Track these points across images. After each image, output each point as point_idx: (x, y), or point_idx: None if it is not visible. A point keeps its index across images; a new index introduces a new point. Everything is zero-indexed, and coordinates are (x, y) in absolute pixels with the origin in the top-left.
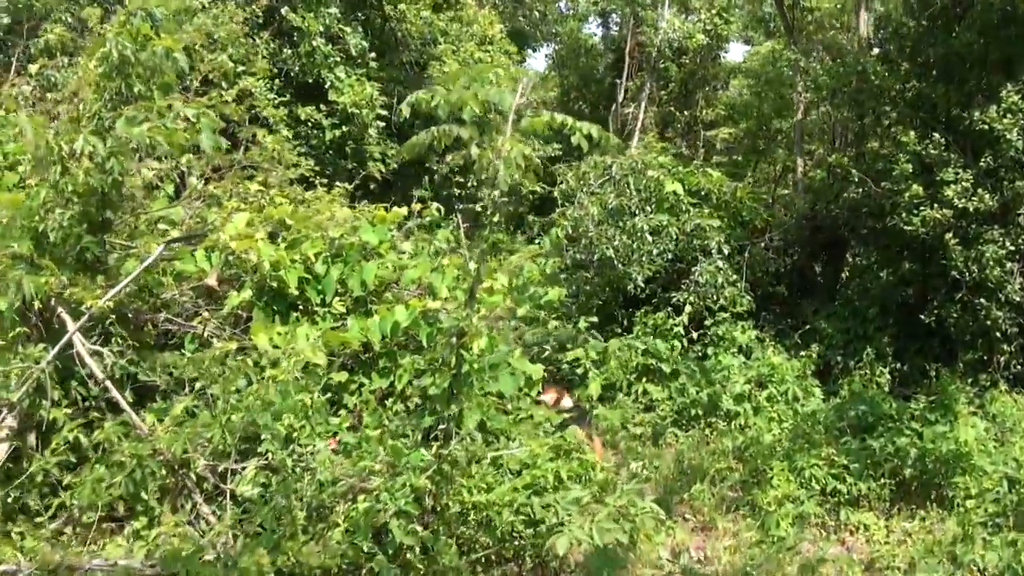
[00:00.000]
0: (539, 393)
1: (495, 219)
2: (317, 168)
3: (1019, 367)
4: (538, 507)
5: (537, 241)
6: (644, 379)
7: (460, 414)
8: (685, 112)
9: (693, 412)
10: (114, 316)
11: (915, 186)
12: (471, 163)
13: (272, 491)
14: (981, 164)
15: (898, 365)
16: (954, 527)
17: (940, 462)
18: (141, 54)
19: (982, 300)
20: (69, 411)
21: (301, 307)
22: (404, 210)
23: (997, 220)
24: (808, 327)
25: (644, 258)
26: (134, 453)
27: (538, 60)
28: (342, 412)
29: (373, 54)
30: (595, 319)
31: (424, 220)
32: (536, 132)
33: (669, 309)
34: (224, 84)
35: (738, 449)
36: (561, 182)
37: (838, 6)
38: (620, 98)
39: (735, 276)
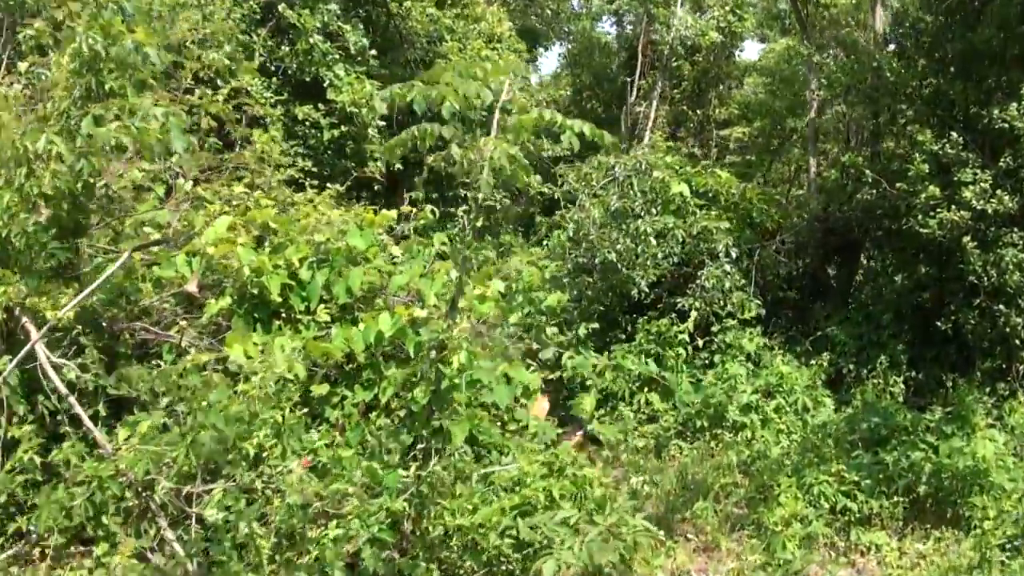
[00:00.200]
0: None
1: (478, 222)
2: (315, 169)
3: None
4: (525, 529)
5: (545, 243)
6: (647, 388)
7: (442, 431)
8: (698, 111)
9: (698, 423)
10: (86, 326)
11: (931, 187)
12: (452, 163)
13: (235, 517)
14: (1000, 164)
15: (913, 374)
16: (970, 550)
17: (956, 478)
18: (112, 49)
19: (1001, 306)
20: (33, 427)
21: (284, 315)
22: (394, 213)
23: (1017, 223)
24: (819, 333)
25: (649, 262)
26: (94, 474)
27: (550, 59)
28: (323, 426)
29: (374, 51)
30: (596, 326)
31: (419, 223)
32: (526, 130)
33: (673, 315)
34: (219, 82)
35: (744, 463)
36: (562, 183)
37: (853, 2)
38: (632, 97)
39: (743, 280)
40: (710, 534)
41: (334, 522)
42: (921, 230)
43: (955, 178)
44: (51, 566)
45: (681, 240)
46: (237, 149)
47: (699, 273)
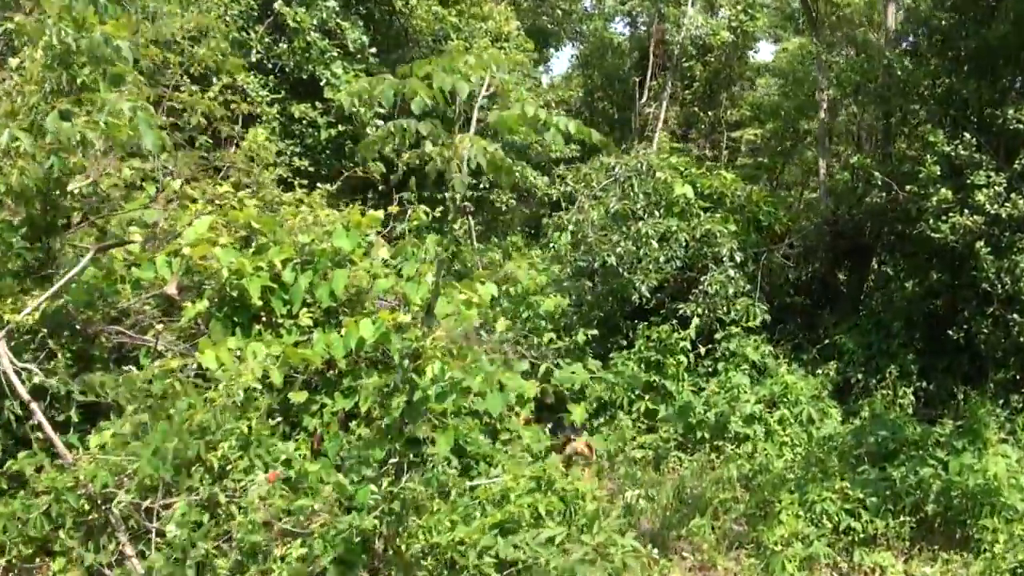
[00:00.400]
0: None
1: (456, 224)
2: (312, 169)
3: None
4: (508, 547)
5: (553, 246)
6: (646, 397)
7: (418, 443)
8: (709, 112)
9: (699, 434)
10: (60, 328)
11: (943, 190)
12: (426, 162)
13: (192, 536)
14: (1015, 166)
15: (923, 384)
16: (979, 574)
17: (966, 497)
18: (82, 41)
19: (1015, 315)
20: None
21: (265, 319)
22: (380, 213)
23: None
24: (827, 341)
25: (651, 266)
26: (51, 485)
27: (561, 61)
28: (301, 436)
29: (374, 49)
30: (595, 332)
31: (412, 224)
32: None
33: (674, 321)
34: (214, 79)
35: (745, 477)
36: (563, 184)
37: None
38: (644, 97)
39: (749, 286)
40: (706, 552)
41: (298, 540)
42: (932, 235)
43: (968, 181)
44: None
45: (684, 243)
46: (234, 149)
47: (702, 278)
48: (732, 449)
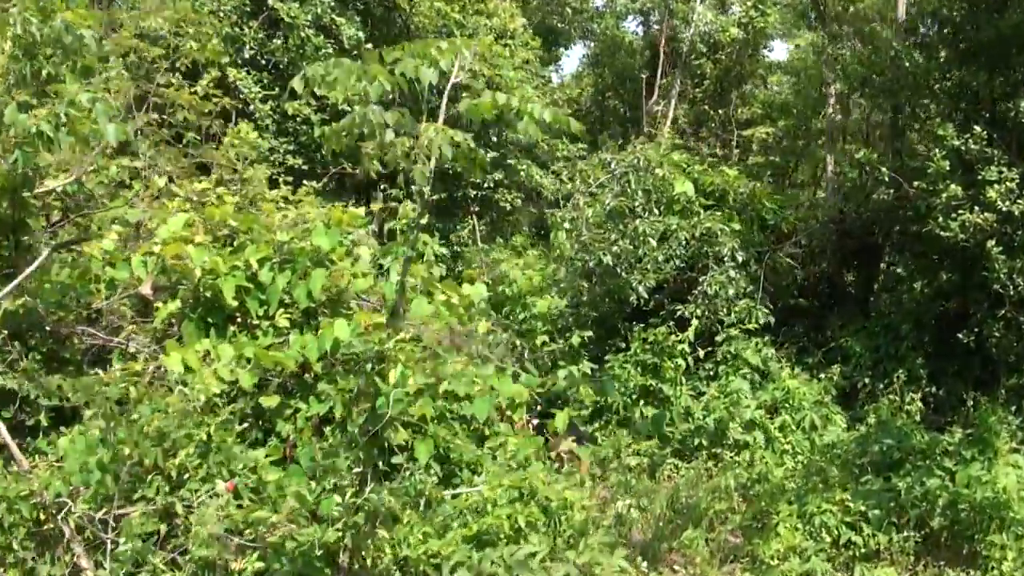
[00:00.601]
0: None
1: (423, 220)
2: (306, 167)
3: None
4: (484, 562)
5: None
6: (643, 402)
7: (384, 452)
8: (719, 111)
9: (697, 441)
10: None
11: (953, 186)
12: (385, 153)
13: (144, 549)
14: None
15: (933, 389)
16: None
17: (974, 510)
18: (44, 30)
19: None
20: None
21: (240, 320)
22: (361, 211)
23: None
24: (833, 344)
25: (649, 266)
26: (3, 494)
27: (572, 60)
28: (273, 442)
29: (369, 45)
30: (590, 333)
31: (400, 223)
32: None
33: (671, 323)
34: (205, 72)
35: (743, 487)
36: (557, 181)
37: None
38: (655, 95)
39: (751, 286)
40: (700, 566)
41: (255, 554)
42: (942, 233)
43: (979, 177)
44: None
45: (685, 242)
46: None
47: (701, 279)
48: (731, 457)
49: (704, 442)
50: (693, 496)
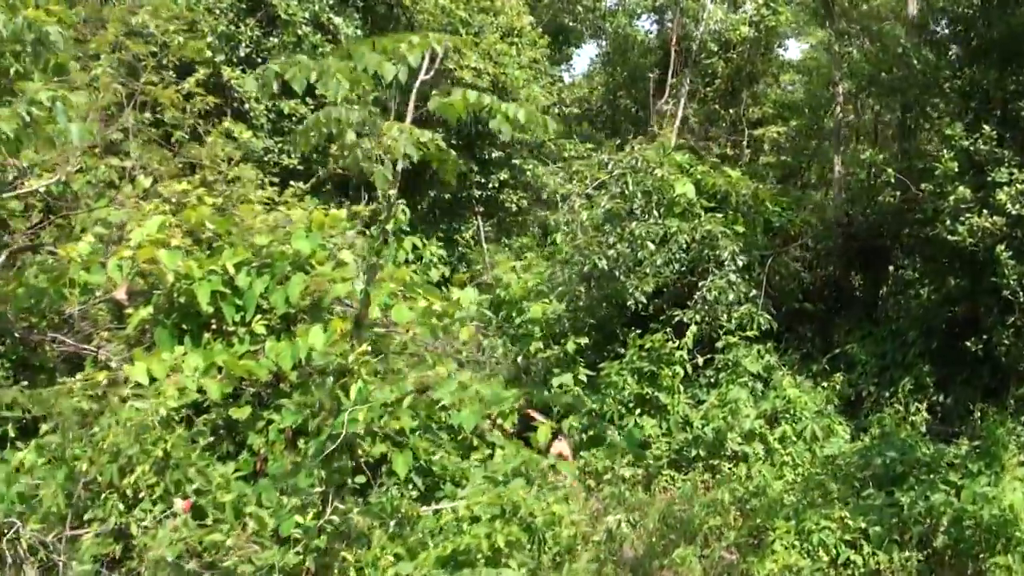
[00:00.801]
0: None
1: (389, 224)
2: (302, 167)
3: None
4: None
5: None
6: (638, 411)
7: (345, 470)
8: (730, 110)
9: (694, 452)
10: None
11: (961, 188)
12: (346, 155)
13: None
14: None
15: (940, 398)
16: None
17: (980, 529)
18: (8, 26)
19: None
20: None
21: (216, 327)
22: (343, 212)
23: None
24: (838, 351)
25: (649, 270)
26: None
27: (583, 59)
28: (244, 455)
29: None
30: (585, 340)
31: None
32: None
33: (668, 330)
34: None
35: (739, 501)
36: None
37: None
38: (666, 94)
39: (754, 291)
40: None
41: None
42: (949, 237)
43: (988, 178)
44: None
45: (685, 246)
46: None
47: (700, 283)
48: (729, 468)
49: (702, 453)
50: (688, 510)
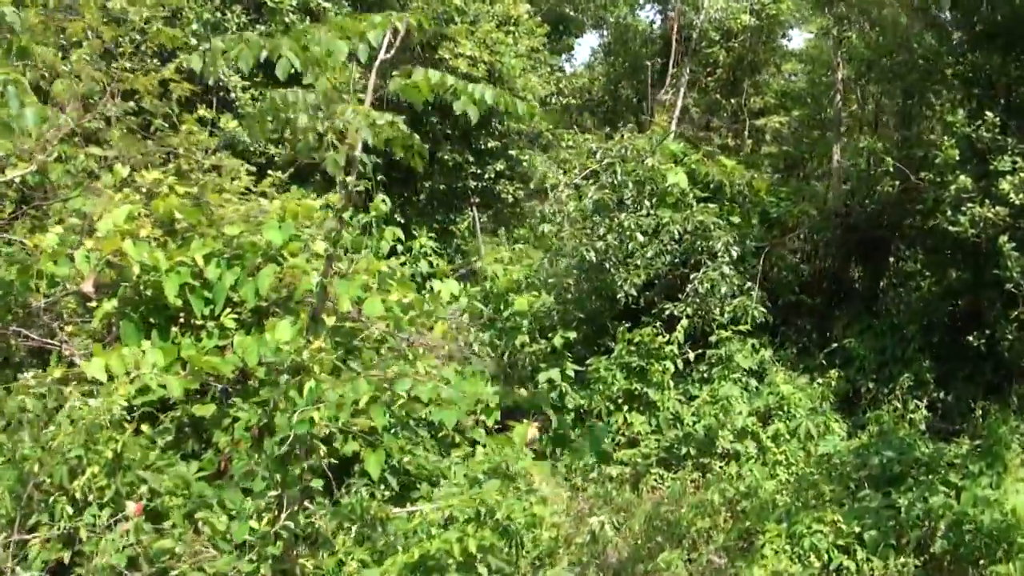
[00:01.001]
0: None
1: (347, 212)
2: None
3: None
4: None
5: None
6: (627, 407)
7: (302, 474)
8: (732, 100)
9: (684, 450)
10: None
11: (962, 177)
12: (297, 137)
13: None
14: None
15: (940, 394)
16: None
17: (980, 534)
18: None
19: None
20: None
21: (184, 320)
22: (318, 202)
23: None
24: (835, 346)
25: (639, 262)
26: None
27: (584, 49)
28: (208, 455)
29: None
30: (573, 334)
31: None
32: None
33: (660, 324)
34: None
35: (729, 502)
36: (538, 171)
37: None
38: (666, 84)
39: (748, 283)
40: None
41: None
42: (950, 228)
43: (991, 167)
44: None
45: (678, 237)
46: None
47: (692, 275)
48: (720, 467)
49: (692, 451)
50: (676, 511)
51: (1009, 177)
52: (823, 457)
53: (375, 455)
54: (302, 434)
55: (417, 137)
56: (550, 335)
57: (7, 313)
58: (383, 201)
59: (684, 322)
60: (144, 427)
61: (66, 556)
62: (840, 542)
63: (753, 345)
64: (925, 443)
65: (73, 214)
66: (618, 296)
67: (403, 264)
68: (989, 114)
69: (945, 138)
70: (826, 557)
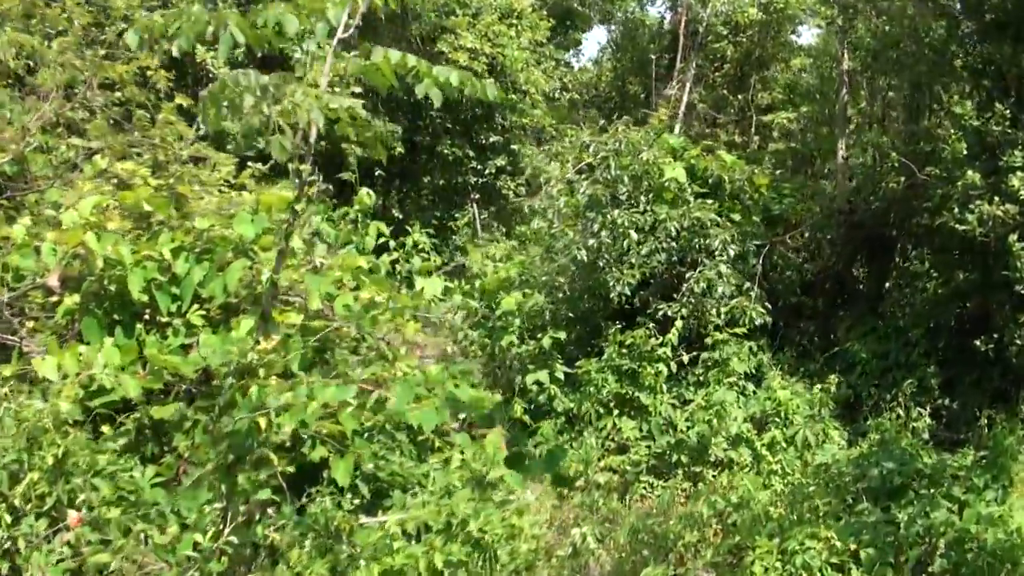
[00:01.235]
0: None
1: (300, 203)
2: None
3: None
4: None
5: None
6: (617, 411)
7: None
8: (739, 96)
9: (675, 457)
10: None
11: (971, 172)
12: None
13: None
14: None
15: (945, 401)
16: None
17: (984, 553)
18: None
19: None
20: None
21: (150, 317)
22: (288, 194)
23: None
24: (837, 349)
25: (634, 260)
26: None
27: (592, 44)
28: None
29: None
30: (562, 335)
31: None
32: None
33: (653, 325)
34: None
35: (720, 515)
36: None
37: None
38: (674, 79)
39: (747, 283)
40: None
41: None
42: (958, 226)
43: (1001, 162)
44: None
45: (674, 234)
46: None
47: (687, 275)
48: (712, 476)
49: (684, 458)
50: (664, 523)
51: (1020, 173)
52: (820, 467)
53: (343, 461)
54: (238, 443)
55: (377, 124)
56: (539, 335)
57: None
58: (367, 194)
59: (678, 323)
60: (106, 428)
61: (4, 567)
62: (834, 560)
63: (751, 348)
64: (928, 453)
65: (49, 206)
66: (611, 296)
67: (395, 261)
68: (999, 107)
69: (953, 132)
70: (820, 575)
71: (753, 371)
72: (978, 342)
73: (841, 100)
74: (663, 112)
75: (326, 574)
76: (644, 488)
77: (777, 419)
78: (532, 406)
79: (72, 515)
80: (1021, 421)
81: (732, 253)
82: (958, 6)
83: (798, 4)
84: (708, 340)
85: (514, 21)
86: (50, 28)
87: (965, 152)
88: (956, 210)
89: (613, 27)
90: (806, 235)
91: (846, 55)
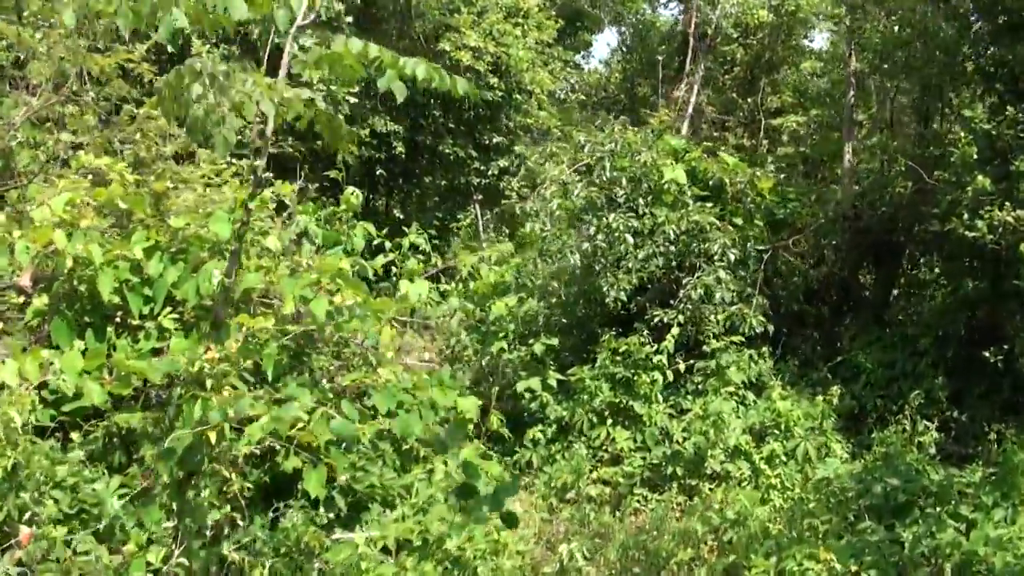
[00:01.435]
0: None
1: (252, 201)
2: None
3: None
4: None
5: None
6: (611, 420)
7: (203, 504)
8: (748, 99)
9: (670, 469)
10: None
11: (981, 177)
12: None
13: None
14: None
15: (953, 414)
16: None
17: None
18: None
19: None
20: None
21: (121, 319)
22: (269, 193)
23: None
24: (841, 359)
25: (631, 264)
26: None
27: (601, 45)
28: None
29: (350, 18)
30: (555, 341)
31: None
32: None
33: (648, 332)
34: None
35: (715, 531)
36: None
37: None
38: (683, 82)
39: (748, 289)
40: None
41: None
42: (967, 233)
43: (1012, 167)
44: None
45: (673, 238)
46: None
47: (685, 280)
48: (708, 490)
49: (679, 471)
50: (656, 540)
51: None
52: (821, 482)
53: (316, 472)
54: (187, 459)
55: (340, 119)
56: (531, 341)
57: None
58: (354, 194)
59: (675, 330)
60: (75, 436)
61: None
62: None
63: (751, 356)
64: (935, 469)
65: (30, 202)
66: (607, 301)
67: (391, 263)
68: (1011, 110)
69: (963, 135)
70: None
71: (753, 380)
72: (987, 353)
73: (848, 102)
74: (665, 113)
75: None
76: (637, 501)
77: (777, 431)
78: (525, 414)
79: (24, 531)
80: None
81: (732, 258)
82: (970, 6)
83: (809, 7)
84: (706, 348)
85: (520, 20)
86: (42, 20)
87: (975, 156)
88: (966, 216)
89: (624, 29)
90: (811, 241)
91: (854, 56)
